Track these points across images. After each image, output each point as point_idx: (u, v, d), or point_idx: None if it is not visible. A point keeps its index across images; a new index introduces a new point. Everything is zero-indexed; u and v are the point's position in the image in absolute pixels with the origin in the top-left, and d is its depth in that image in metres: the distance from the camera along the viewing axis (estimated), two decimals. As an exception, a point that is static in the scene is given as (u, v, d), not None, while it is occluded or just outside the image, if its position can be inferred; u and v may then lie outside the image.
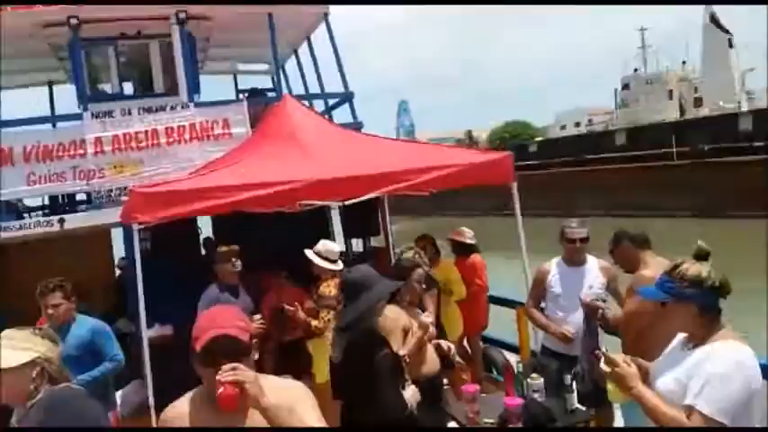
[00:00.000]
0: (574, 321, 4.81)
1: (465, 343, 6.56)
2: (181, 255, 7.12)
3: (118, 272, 8.84)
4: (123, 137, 7.32)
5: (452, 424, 4.45)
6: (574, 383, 4.38)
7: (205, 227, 8.57)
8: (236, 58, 11.20)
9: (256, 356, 2.23)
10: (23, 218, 7.37)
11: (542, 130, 73.47)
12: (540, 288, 5.13)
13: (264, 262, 6.59)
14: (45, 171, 7.05)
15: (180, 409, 2.20)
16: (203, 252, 8.59)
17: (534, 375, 4.41)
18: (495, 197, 36.85)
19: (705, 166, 33.64)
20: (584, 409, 4.39)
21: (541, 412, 4.15)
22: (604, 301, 4.69)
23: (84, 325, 4.78)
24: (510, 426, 4.12)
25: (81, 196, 8.24)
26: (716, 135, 34.73)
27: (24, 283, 5.69)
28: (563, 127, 69.93)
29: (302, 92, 9.80)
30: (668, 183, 34.31)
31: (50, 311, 4.70)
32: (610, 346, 4.59)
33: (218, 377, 1.99)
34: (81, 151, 7.16)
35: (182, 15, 8.06)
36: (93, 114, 7.40)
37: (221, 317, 2.19)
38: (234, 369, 2.00)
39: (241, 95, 10.03)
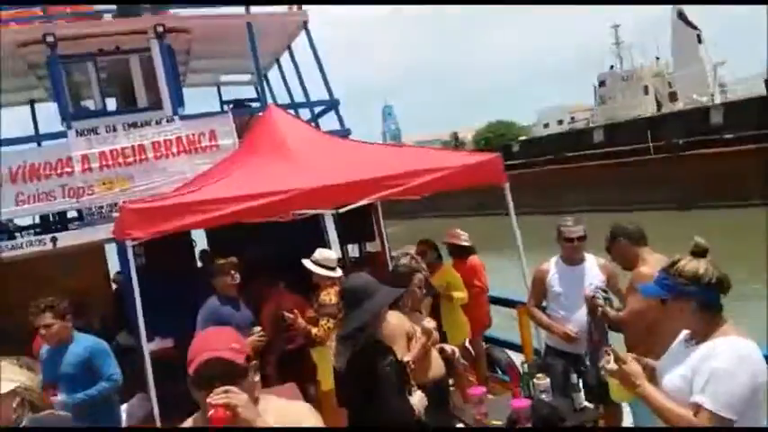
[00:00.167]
0: (576, 320, 4.82)
1: (467, 344, 6.55)
2: (176, 268, 7.08)
3: (114, 285, 8.77)
4: (110, 153, 7.24)
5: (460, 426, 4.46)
6: (581, 382, 4.38)
7: (199, 239, 8.52)
8: (219, 69, 11.15)
9: (257, 378, 2.17)
10: (15, 237, 7.30)
11: (526, 129, 74.07)
12: (540, 288, 5.13)
13: (261, 273, 6.57)
14: (33, 190, 6.96)
15: None
16: (199, 264, 8.52)
17: (540, 375, 4.40)
18: (475, 197, 37.44)
19: (678, 159, 34.30)
20: (592, 407, 4.39)
21: (550, 412, 4.15)
22: (606, 297, 4.70)
23: (82, 343, 4.74)
24: (519, 427, 4.12)
25: (72, 213, 8.17)
26: (689, 129, 35.38)
27: (19, 301, 5.66)
28: (546, 125, 70.65)
29: (287, 101, 9.79)
30: (644, 177, 34.91)
31: (43, 332, 4.69)
32: (614, 342, 4.60)
33: (208, 400, 1.95)
34: (68, 169, 7.08)
35: (160, 29, 8.01)
36: (77, 132, 7.31)
37: (215, 339, 2.14)
38: (226, 392, 1.96)
39: (226, 107, 10.01)
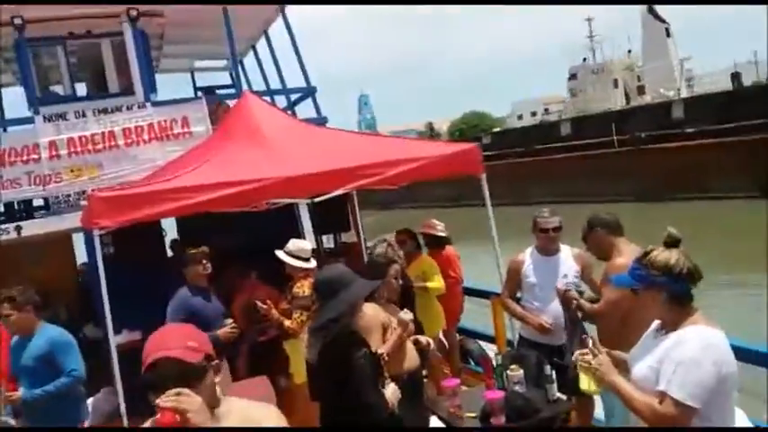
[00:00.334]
0: (550, 311, 4.83)
1: (441, 336, 6.53)
2: (145, 258, 6.94)
3: (81, 276, 8.59)
4: (79, 140, 7.10)
5: (434, 419, 4.43)
6: (554, 373, 4.38)
7: (170, 229, 8.38)
8: (193, 55, 10.97)
9: (217, 379, 2.05)
10: None
11: (500, 121, 74.49)
12: (515, 279, 5.12)
13: (233, 263, 6.46)
14: (-3, 177, 6.80)
15: None
16: (170, 254, 8.39)
17: (513, 367, 4.39)
18: (453, 189, 37.64)
19: (641, 153, 35.23)
20: (564, 398, 4.39)
21: (524, 403, 4.14)
22: (580, 291, 4.71)
23: (45, 336, 4.63)
24: (492, 419, 4.10)
25: (38, 202, 8.00)
26: (652, 123, 36.45)
27: None
28: (520, 117, 71.15)
29: (263, 88, 9.66)
30: (609, 170, 35.79)
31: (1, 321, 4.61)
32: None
33: (157, 401, 1.83)
34: (35, 156, 6.93)
35: (133, 13, 7.81)
36: (45, 117, 7.15)
37: (171, 336, 2.04)
38: (177, 395, 1.83)
39: (200, 93, 9.85)
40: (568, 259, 4.95)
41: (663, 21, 57.62)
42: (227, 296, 6.01)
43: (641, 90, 57.61)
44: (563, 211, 5.20)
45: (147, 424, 2.02)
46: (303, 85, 8.79)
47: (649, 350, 2.75)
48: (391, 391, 3.51)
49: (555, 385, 4.34)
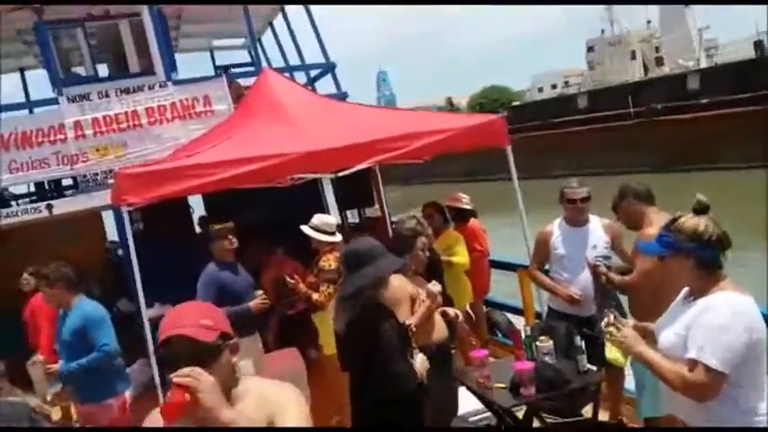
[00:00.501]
0: (580, 282, 4.78)
1: (468, 308, 6.53)
2: (175, 234, 7.04)
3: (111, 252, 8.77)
4: (103, 119, 7.19)
5: (463, 389, 4.44)
6: (583, 344, 4.37)
7: (196, 206, 8.45)
8: (211, 34, 10.95)
9: (235, 359, 1.96)
10: (10, 206, 7.27)
11: (520, 94, 73.58)
12: (543, 250, 5.07)
13: (258, 239, 6.50)
14: (26, 158, 6.92)
15: (157, 417, 1.93)
16: (198, 230, 8.47)
17: (543, 338, 4.38)
18: (466, 164, 37.45)
19: (655, 124, 35.00)
20: (595, 369, 4.38)
21: (554, 374, 4.13)
22: (608, 265, 4.66)
23: (80, 311, 4.71)
24: (522, 390, 4.11)
25: (68, 181, 8.13)
26: (668, 94, 36.04)
27: (16, 268, 5.61)
28: (540, 89, 70.27)
29: (281, 64, 9.63)
30: (625, 142, 35.56)
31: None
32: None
33: (170, 376, 1.77)
34: (61, 136, 7.04)
35: (149, -6, 7.80)
36: (69, 98, 7.22)
37: (186, 314, 1.97)
38: (189, 373, 1.76)
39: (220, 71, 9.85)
40: (598, 230, 4.88)
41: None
42: (255, 271, 6.04)
43: (659, 61, 56.63)
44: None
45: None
46: (322, 61, 8.75)
47: (677, 317, 2.73)
48: (420, 362, 3.52)
49: (585, 356, 4.33)
